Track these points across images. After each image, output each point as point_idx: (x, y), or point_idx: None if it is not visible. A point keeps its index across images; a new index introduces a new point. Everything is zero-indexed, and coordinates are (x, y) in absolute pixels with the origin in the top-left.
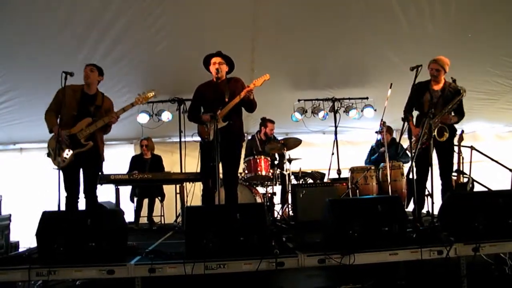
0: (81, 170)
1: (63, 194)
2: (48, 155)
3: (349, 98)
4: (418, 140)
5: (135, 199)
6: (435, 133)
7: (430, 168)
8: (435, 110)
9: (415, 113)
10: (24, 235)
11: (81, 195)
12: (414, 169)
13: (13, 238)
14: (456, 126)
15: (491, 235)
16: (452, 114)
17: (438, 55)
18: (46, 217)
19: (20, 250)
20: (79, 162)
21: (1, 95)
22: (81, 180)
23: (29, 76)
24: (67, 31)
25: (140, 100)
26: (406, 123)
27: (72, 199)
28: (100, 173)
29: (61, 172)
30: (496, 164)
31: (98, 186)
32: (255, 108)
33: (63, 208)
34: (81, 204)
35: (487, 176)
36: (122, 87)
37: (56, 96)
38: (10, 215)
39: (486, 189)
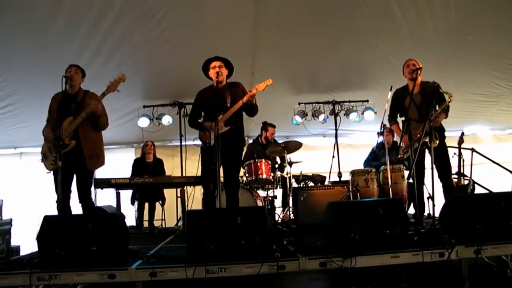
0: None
1: (54, 197)
2: (41, 160)
3: (350, 101)
4: (406, 146)
5: (136, 203)
6: (427, 140)
7: (424, 172)
8: (420, 113)
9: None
10: (25, 240)
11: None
12: (415, 172)
13: (14, 242)
14: (457, 128)
15: (493, 237)
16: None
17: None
18: (47, 221)
19: (21, 254)
20: (68, 163)
21: (2, 100)
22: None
23: (30, 81)
24: (68, 36)
25: (112, 87)
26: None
27: (62, 201)
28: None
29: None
30: (496, 166)
31: (99, 190)
32: (256, 112)
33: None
34: (74, 209)
35: (487, 178)
36: (123, 91)
37: (49, 106)
38: (11, 219)
39: (487, 191)
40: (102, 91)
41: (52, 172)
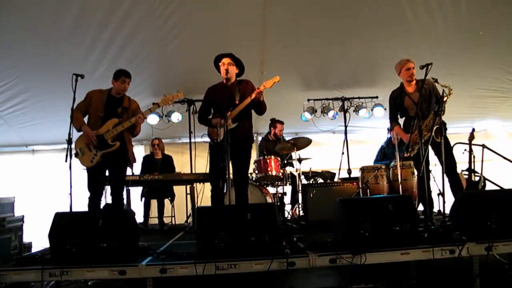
0: (107, 171)
1: (86, 194)
2: (76, 155)
3: (359, 97)
4: (412, 144)
5: (143, 199)
6: (433, 134)
7: (428, 167)
8: (421, 111)
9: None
10: (37, 236)
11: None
12: (424, 169)
13: (26, 239)
14: (467, 124)
15: (505, 234)
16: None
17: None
18: (59, 218)
19: (33, 251)
20: (105, 162)
21: (13, 98)
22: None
23: (41, 78)
24: (79, 33)
25: (166, 101)
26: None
27: (95, 199)
28: (127, 174)
29: (86, 172)
30: (508, 162)
31: (109, 187)
32: (264, 110)
33: (81, 208)
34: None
35: (499, 175)
36: (133, 87)
37: (85, 98)
38: (23, 216)
39: (498, 188)
40: (154, 104)
41: (87, 169)
